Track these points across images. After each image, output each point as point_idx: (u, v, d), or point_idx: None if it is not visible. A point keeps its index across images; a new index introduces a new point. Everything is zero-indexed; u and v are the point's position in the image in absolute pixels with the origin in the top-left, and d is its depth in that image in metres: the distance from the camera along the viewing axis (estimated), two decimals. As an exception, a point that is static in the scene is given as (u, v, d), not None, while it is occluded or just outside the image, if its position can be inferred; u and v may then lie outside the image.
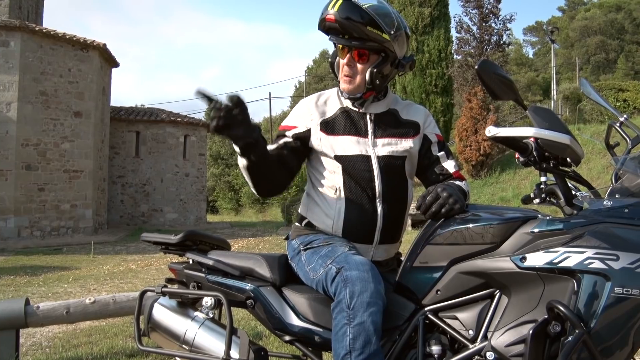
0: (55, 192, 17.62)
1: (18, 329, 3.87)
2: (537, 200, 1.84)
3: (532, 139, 1.70)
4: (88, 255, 13.63)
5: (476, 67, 1.65)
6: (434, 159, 2.12)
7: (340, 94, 2.12)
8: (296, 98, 52.15)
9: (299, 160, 2.09)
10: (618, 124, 1.74)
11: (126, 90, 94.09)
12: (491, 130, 1.60)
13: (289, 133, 2.07)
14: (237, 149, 1.84)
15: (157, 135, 22.80)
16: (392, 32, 1.95)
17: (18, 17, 19.55)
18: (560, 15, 56.37)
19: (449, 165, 2.11)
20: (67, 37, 17.79)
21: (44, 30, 17.50)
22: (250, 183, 1.99)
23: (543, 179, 1.82)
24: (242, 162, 1.89)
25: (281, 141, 2.06)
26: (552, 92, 24.85)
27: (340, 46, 2.01)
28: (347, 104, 2.09)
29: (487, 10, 18.34)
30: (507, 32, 18.90)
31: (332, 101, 2.12)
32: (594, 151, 16.20)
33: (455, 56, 20.02)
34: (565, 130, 1.58)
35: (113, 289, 8.23)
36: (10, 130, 16.64)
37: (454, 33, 20.48)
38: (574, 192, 1.79)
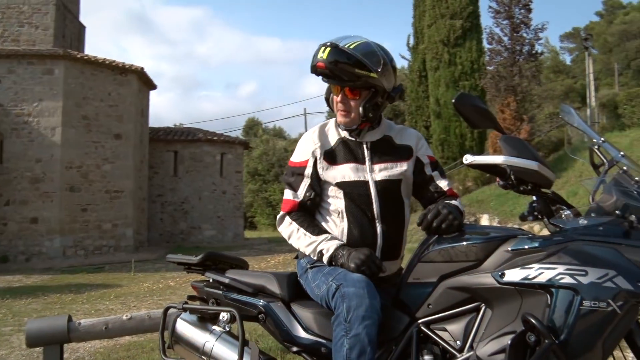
0: (98, 212, 18.25)
1: (62, 344, 4.12)
2: (530, 218, 1.98)
3: None
4: (129, 273, 14.05)
5: (453, 100, 1.81)
6: (427, 178, 2.29)
7: (337, 126, 2.31)
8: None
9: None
10: (596, 147, 1.86)
11: (165, 109, 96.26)
12: (468, 158, 1.76)
13: (307, 172, 2.25)
14: (326, 259, 2.13)
15: (195, 154, 23.34)
16: (379, 70, 2.13)
17: (62, 44, 20.40)
18: (598, 20, 55.32)
19: (443, 184, 2.29)
20: (107, 62, 18.53)
21: (85, 57, 18.28)
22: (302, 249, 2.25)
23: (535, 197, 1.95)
24: (315, 256, 2.18)
25: (307, 184, 2.25)
26: (587, 99, 24.46)
27: (333, 85, 2.21)
28: (345, 134, 2.28)
29: (518, 21, 18.24)
30: (540, 42, 18.74)
31: (332, 132, 2.31)
32: (632, 158, 15.89)
33: (487, 68, 19.95)
34: (534, 157, 1.72)
35: (152, 306, 8.52)
36: (55, 154, 17.37)
37: (486, 44, 20.47)
38: (562, 211, 1.91)
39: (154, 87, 22.31)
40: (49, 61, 17.54)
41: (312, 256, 2.20)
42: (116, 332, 4.38)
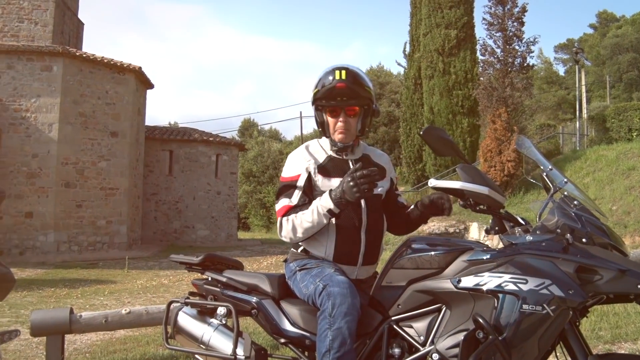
0: (92, 209, 18.45)
1: (63, 335, 4.40)
2: (492, 232, 2.30)
3: None
4: (122, 270, 14.25)
5: (421, 132, 2.13)
6: (395, 196, 2.71)
7: (322, 145, 2.63)
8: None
9: None
10: (545, 174, 2.18)
11: (159, 107, 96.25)
12: (432, 182, 2.08)
13: (299, 184, 2.51)
14: (333, 206, 2.33)
15: (190, 154, 23.60)
16: (372, 87, 2.52)
17: (60, 41, 20.63)
18: (591, 32, 55.93)
19: (404, 200, 2.73)
20: (105, 61, 18.75)
21: (84, 55, 18.48)
22: (309, 234, 2.43)
23: None
24: (326, 218, 2.38)
25: (300, 193, 2.49)
26: (577, 112, 24.87)
27: (331, 108, 2.52)
28: (331, 153, 2.59)
29: (510, 33, 18.63)
30: (531, 54, 19.12)
31: (319, 151, 2.61)
32: (618, 172, 16.27)
33: (480, 78, 20.29)
34: (486, 183, 2.05)
35: (146, 302, 8.76)
36: (52, 150, 17.58)
37: (479, 55, 20.83)
38: (515, 228, 2.22)
39: (151, 86, 22.54)
40: (48, 58, 17.74)
41: (324, 220, 2.38)
42: (115, 325, 4.67)
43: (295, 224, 2.43)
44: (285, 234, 2.47)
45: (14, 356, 5.22)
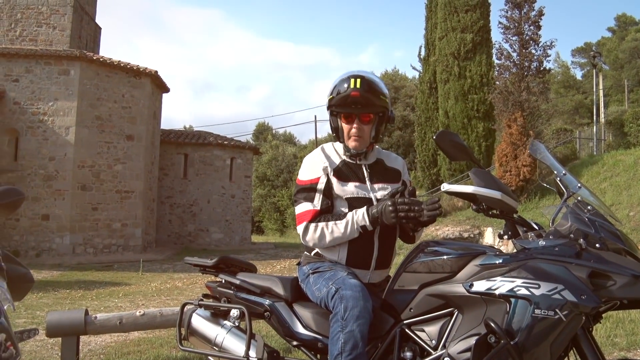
0: (108, 212, 18.64)
1: (78, 336, 4.44)
2: (505, 237, 2.30)
3: None
4: (137, 273, 14.37)
5: (434, 137, 2.14)
6: None
7: (336, 149, 2.64)
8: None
9: None
10: (558, 179, 2.17)
11: (174, 110, 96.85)
12: (445, 186, 2.08)
13: (320, 187, 2.51)
14: (368, 224, 2.38)
15: (205, 158, 23.73)
16: (388, 94, 2.53)
17: (78, 45, 20.90)
18: (609, 35, 55.32)
19: None
20: (122, 65, 18.96)
21: (101, 59, 18.71)
22: (335, 243, 2.46)
23: None
24: (357, 233, 2.41)
25: (321, 197, 2.50)
26: (594, 117, 24.64)
27: (345, 114, 2.53)
28: (345, 157, 2.60)
29: (527, 37, 18.51)
30: (548, 59, 18.98)
31: (334, 154, 2.62)
32: (635, 177, 16.11)
33: (496, 82, 20.17)
34: (498, 188, 2.05)
35: (160, 305, 8.81)
36: (69, 153, 17.81)
37: (495, 59, 20.71)
38: (528, 233, 2.22)
39: (167, 90, 22.73)
40: (66, 62, 17.99)
41: (355, 235, 2.42)
42: (129, 326, 4.71)
43: (325, 233, 2.44)
44: (310, 239, 2.48)
45: (29, 357, 5.28)
